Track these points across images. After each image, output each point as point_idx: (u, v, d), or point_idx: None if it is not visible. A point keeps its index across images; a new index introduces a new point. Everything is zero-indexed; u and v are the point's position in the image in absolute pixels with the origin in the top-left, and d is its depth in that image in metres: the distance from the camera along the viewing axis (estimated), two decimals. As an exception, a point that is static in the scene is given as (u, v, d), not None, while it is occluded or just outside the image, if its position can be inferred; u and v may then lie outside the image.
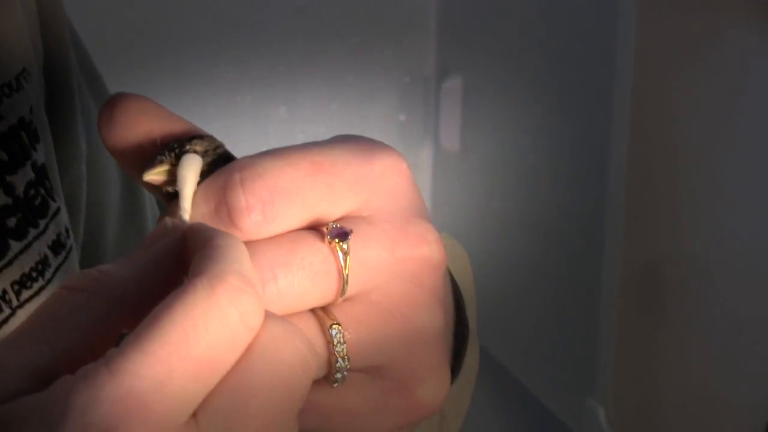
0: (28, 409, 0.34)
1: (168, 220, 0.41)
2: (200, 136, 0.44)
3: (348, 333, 0.42)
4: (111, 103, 0.43)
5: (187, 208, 0.42)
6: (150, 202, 0.73)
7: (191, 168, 0.43)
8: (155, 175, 0.43)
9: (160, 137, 0.43)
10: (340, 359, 0.42)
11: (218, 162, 0.43)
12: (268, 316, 0.37)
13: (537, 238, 1.83)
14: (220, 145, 0.44)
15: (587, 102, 1.65)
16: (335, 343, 0.42)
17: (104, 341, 0.37)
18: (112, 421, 0.33)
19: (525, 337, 1.81)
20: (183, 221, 0.41)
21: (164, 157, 0.43)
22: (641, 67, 1.45)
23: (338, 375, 0.43)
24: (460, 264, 0.60)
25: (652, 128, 1.45)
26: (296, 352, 0.37)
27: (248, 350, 0.36)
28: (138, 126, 0.43)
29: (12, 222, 0.58)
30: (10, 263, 0.57)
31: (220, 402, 0.36)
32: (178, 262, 0.39)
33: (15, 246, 0.58)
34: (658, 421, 1.47)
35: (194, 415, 0.35)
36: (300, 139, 2.09)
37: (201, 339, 0.35)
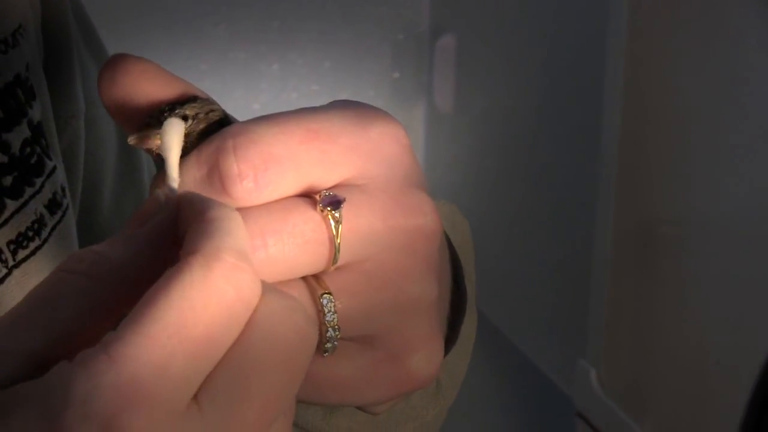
0: (25, 398, 0.34)
1: (160, 193, 0.41)
2: (194, 99, 0.43)
3: (339, 302, 0.42)
4: (112, 64, 0.43)
5: (174, 176, 0.41)
6: (147, 161, 0.72)
7: (174, 133, 0.42)
8: (139, 140, 0.43)
9: (160, 100, 0.43)
10: (330, 329, 0.42)
11: (213, 127, 0.43)
12: (267, 291, 0.37)
13: (530, 197, 1.83)
14: (214, 109, 0.43)
15: (581, 60, 1.65)
16: (326, 312, 0.42)
17: (102, 324, 0.37)
18: (114, 409, 0.33)
19: (517, 298, 1.82)
20: (172, 190, 0.41)
21: (152, 121, 0.42)
22: (635, 24, 1.44)
23: (328, 345, 0.42)
24: (460, 232, 0.59)
25: (646, 86, 1.45)
26: (295, 327, 0.37)
27: (247, 328, 0.36)
28: (138, 88, 0.43)
29: (8, 181, 0.58)
30: (5, 222, 0.57)
31: (221, 382, 0.35)
32: (173, 235, 0.39)
33: (11, 205, 0.57)
34: (651, 382, 1.47)
35: (195, 397, 0.35)
36: (293, 97, 2.11)
37: (199, 320, 0.34)
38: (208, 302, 0.35)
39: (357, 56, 2.14)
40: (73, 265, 0.38)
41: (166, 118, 0.42)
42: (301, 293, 0.41)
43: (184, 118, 0.42)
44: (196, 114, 0.43)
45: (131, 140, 0.43)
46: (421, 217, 0.43)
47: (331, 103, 0.44)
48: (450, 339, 0.54)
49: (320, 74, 2.13)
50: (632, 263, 1.49)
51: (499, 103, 1.93)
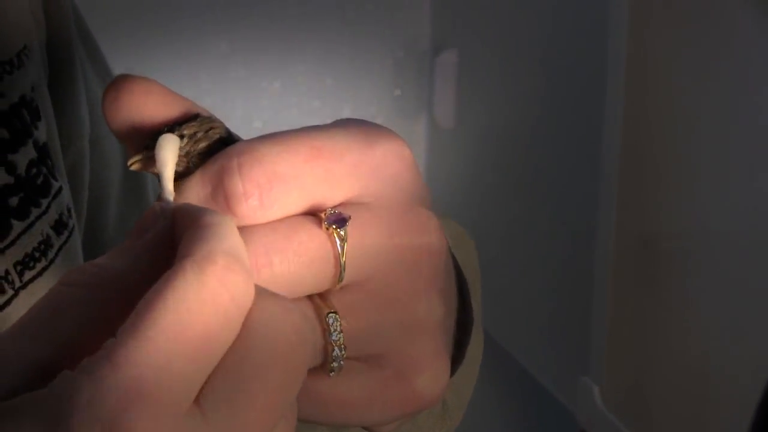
0: (29, 407, 0.34)
1: (156, 205, 0.40)
2: (194, 118, 0.43)
3: (345, 321, 0.42)
4: (116, 85, 0.43)
5: (169, 189, 0.41)
6: (152, 179, 0.72)
7: (168, 149, 0.42)
8: (139, 163, 0.43)
9: (163, 121, 0.43)
10: (336, 348, 0.42)
11: (216, 146, 0.43)
12: (261, 292, 0.37)
13: (531, 212, 1.83)
14: (214, 127, 0.43)
15: (581, 76, 1.65)
16: (332, 332, 0.42)
17: (104, 333, 0.37)
18: (117, 413, 0.33)
19: (520, 314, 1.82)
20: (169, 203, 0.41)
21: (152, 144, 0.43)
22: (635, 41, 1.44)
23: (334, 364, 0.42)
24: (466, 251, 0.59)
25: (647, 101, 1.45)
26: (293, 326, 0.37)
27: (245, 330, 0.36)
28: (142, 109, 0.43)
29: (14, 201, 0.58)
30: (12, 243, 0.57)
31: (222, 385, 0.35)
32: (170, 245, 0.39)
33: (17, 226, 0.57)
34: (654, 397, 1.47)
35: (197, 400, 0.35)
36: (294, 114, 2.11)
37: (195, 322, 0.35)
38: (203, 304, 0.35)
39: (358, 73, 2.14)
40: (74, 278, 0.38)
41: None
42: (306, 312, 0.41)
43: (181, 138, 0.42)
44: (194, 133, 0.43)
45: (131, 163, 0.43)
46: (426, 235, 0.43)
47: (335, 121, 0.44)
48: (456, 359, 0.54)
49: (322, 91, 2.13)
50: (634, 278, 1.49)
51: (500, 117, 1.93)
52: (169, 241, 0.39)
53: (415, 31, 2.15)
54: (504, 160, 1.92)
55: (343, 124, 0.44)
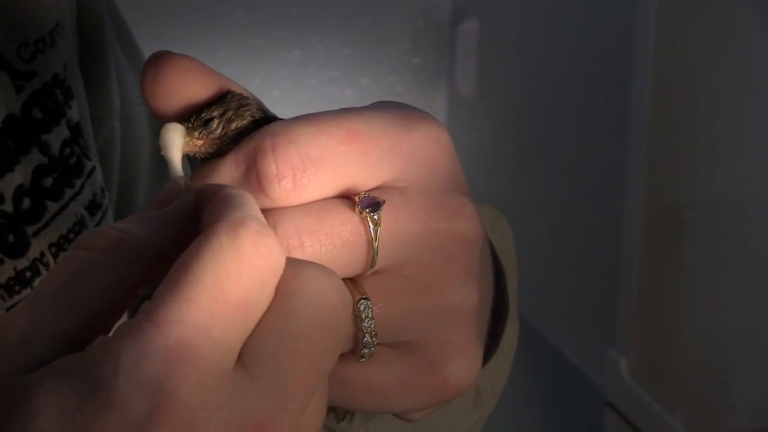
0: (68, 372, 0.33)
1: (180, 179, 0.41)
2: (225, 96, 0.43)
3: (377, 307, 0.42)
4: (156, 62, 0.43)
5: (179, 173, 0.41)
6: (183, 161, 0.72)
7: (173, 133, 0.42)
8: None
9: (201, 99, 0.43)
10: (367, 335, 0.42)
11: (250, 126, 0.43)
12: (300, 261, 0.38)
13: (554, 183, 1.82)
14: (248, 107, 0.43)
15: (606, 44, 1.63)
16: (363, 318, 0.41)
17: (124, 301, 0.37)
18: (165, 372, 0.33)
19: (544, 286, 1.81)
20: (186, 180, 0.41)
21: (186, 127, 0.43)
22: (664, 4, 1.43)
23: (365, 350, 0.42)
24: (503, 238, 0.58)
25: (675, 69, 1.44)
26: (336, 290, 0.37)
27: (288, 292, 0.36)
28: (181, 87, 0.42)
29: (48, 182, 0.57)
30: (47, 225, 0.56)
31: (267, 345, 0.35)
32: (190, 222, 0.39)
33: (52, 207, 0.57)
34: (681, 369, 1.46)
35: (240, 360, 0.35)
36: (312, 84, 2.10)
37: (233, 283, 0.35)
38: (239, 267, 0.35)
39: (377, 42, 2.13)
40: (95, 242, 0.38)
41: (193, 125, 0.42)
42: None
43: (211, 120, 0.42)
44: (225, 112, 0.42)
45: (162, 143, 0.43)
46: (461, 221, 0.43)
47: (373, 103, 0.44)
48: (491, 347, 0.53)
49: (340, 60, 2.12)
50: (661, 250, 1.48)
51: (521, 87, 1.91)
52: (190, 216, 0.38)
53: (435, 0, 2.14)
54: (526, 131, 1.91)
55: (380, 107, 0.43)
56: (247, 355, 0.35)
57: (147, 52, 0.71)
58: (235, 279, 0.35)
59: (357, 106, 0.43)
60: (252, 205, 0.37)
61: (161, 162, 0.70)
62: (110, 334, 0.35)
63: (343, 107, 0.43)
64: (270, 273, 0.36)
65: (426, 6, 2.14)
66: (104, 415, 0.33)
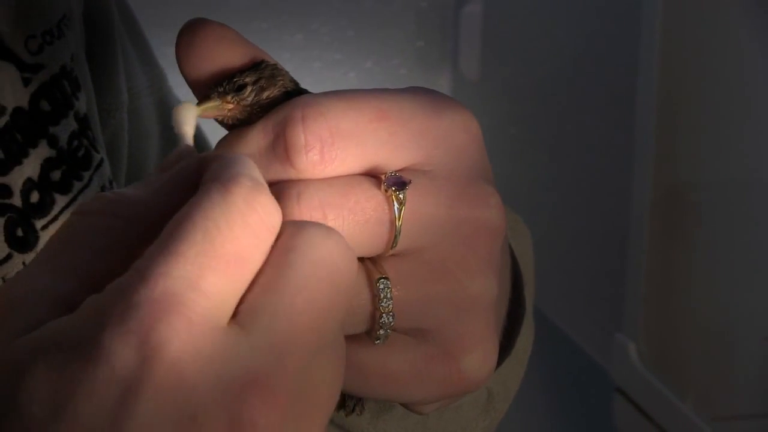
0: (60, 332, 0.33)
1: (184, 146, 0.41)
2: (259, 65, 0.43)
3: (396, 289, 0.41)
4: (191, 29, 0.42)
5: (188, 142, 0.42)
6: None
7: (187, 111, 0.42)
8: (206, 110, 0.43)
9: (234, 67, 0.43)
10: (385, 315, 0.41)
11: (280, 97, 0.43)
12: (297, 220, 0.37)
13: (560, 166, 1.81)
14: (280, 77, 0.43)
15: (612, 25, 1.63)
16: (382, 298, 0.41)
17: (122, 264, 0.36)
18: (151, 322, 0.32)
19: (552, 271, 1.80)
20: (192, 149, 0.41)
21: (218, 91, 0.43)
22: (671, 2, 1.42)
23: (381, 332, 0.42)
24: (522, 241, 0.58)
25: (682, 49, 1.43)
26: (336, 246, 0.36)
27: (287, 248, 0.35)
28: (216, 55, 0.42)
29: (56, 175, 0.57)
30: (55, 218, 0.56)
31: (262, 298, 0.35)
32: (192, 184, 0.38)
33: (60, 200, 0.57)
34: (691, 354, 1.46)
35: (235, 318, 0.34)
36: (316, 67, 2.09)
37: (225, 238, 0.34)
38: (231, 222, 0.34)
39: (381, 25, 2.13)
40: (89, 206, 0.37)
41: (226, 89, 0.43)
42: (357, 275, 0.40)
43: (244, 86, 0.42)
44: (257, 80, 0.43)
45: (198, 111, 0.43)
46: (486, 209, 0.43)
47: (406, 88, 0.44)
48: (505, 348, 0.53)
49: (344, 43, 2.12)
50: (669, 234, 1.48)
51: (526, 69, 1.91)
52: (192, 182, 0.38)
53: (439, -18, 2.14)
54: (531, 113, 1.90)
55: (412, 91, 0.43)
56: (242, 312, 0.34)
57: (149, 37, 0.70)
58: (226, 234, 0.34)
59: (361, 88, 0.43)
60: (248, 165, 0.36)
61: (169, 152, 0.70)
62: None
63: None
64: (264, 229, 0.35)
65: (430, -12, 2.14)
66: (90, 369, 0.32)
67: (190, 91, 0.45)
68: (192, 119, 0.42)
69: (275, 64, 0.43)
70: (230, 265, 0.34)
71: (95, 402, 0.32)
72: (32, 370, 0.32)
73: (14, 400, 0.32)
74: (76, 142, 0.58)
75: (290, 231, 0.36)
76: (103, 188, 0.60)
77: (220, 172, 0.36)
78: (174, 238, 0.34)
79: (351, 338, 0.42)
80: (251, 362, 0.33)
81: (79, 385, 0.32)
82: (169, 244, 0.34)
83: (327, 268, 0.35)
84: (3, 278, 0.54)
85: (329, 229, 0.36)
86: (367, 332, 0.42)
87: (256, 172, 0.36)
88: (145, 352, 0.32)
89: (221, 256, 0.34)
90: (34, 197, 0.55)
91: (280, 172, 0.41)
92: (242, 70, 0.43)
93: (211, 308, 0.33)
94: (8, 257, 0.54)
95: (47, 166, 0.56)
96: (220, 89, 0.43)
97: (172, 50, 0.43)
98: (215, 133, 0.47)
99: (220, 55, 0.42)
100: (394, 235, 0.41)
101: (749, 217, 1.36)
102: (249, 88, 0.42)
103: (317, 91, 0.44)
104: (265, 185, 0.36)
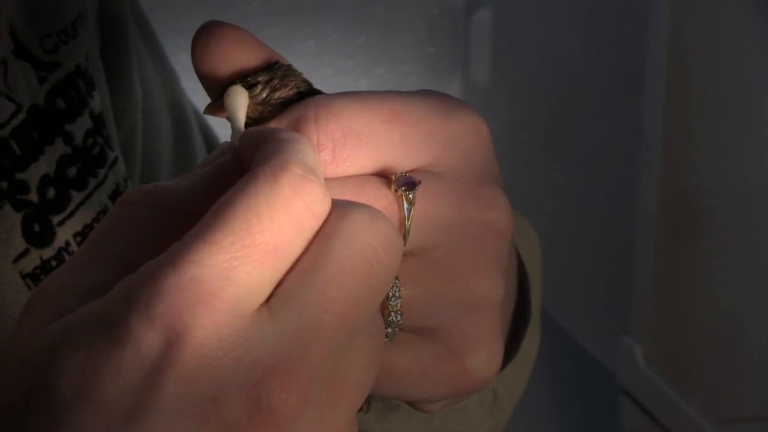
0: (90, 314, 0.34)
1: (225, 142, 0.41)
2: (273, 65, 0.43)
3: (404, 288, 0.42)
4: (207, 31, 0.43)
5: (241, 130, 0.42)
6: (202, 152, 0.72)
7: (238, 97, 0.42)
8: (212, 109, 0.44)
9: (251, 69, 0.43)
10: (393, 313, 0.42)
11: (294, 97, 0.43)
12: (346, 201, 0.37)
13: (569, 171, 1.82)
14: (293, 77, 0.43)
15: (620, 32, 1.63)
16: (390, 296, 0.42)
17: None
18: (177, 310, 0.33)
19: (558, 274, 1.81)
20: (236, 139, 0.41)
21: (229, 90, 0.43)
22: (678, 8, 1.42)
23: (389, 330, 0.42)
24: (529, 244, 0.59)
25: (689, 55, 1.43)
26: (380, 233, 0.36)
27: (328, 234, 0.36)
28: (231, 57, 0.43)
29: (72, 172, 0.58)
30: (71, 215, 0.57)
31: (293, 284, 0.35)
32: (237, 174, 0.38)
33: (76, 196, 0.58)
34: (697, 356, 1.46)
35: (266, 302, 0.35)
36: (328, 73, 2.10)
37: (265, 228, 0.34)
38: (274, 211, 0.34)
39: (392, 31, 2.13)
40: (129, 197, 0.38)
41: (241, 84, 0.43)
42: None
43: (256, 85, 0.43)
44: (270, 79, 0.43)
45: (206, 110, 0.44)
46: (494, 211, 0.43)
47: (418, 90, 0.44)
48: (511, 350, 0.53)
49: (355, 50, 2.12)
50: (675, 236, 1.48)
51: (536, 76, 1.91)
52: (235, 173, 0.38)
53: (449, -11, 2.14)
54: (541, 119, 1.91)
55: (424, 94, 0.44)
56: (275, 296, 0.35)
57: (162, 44, 0.72)
58: (266, 223, 0.34)
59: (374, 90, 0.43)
60: (303, 149, 0.36)
61: (182, 153, 0.71)
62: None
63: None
64: (310, 217, 0.35)
65: (440, -5, 2.14)
66: (117, 351, 0.33)
67: (201, 97, 0.45)
68: (244, 104, 0.42)
69: (289, 65, 0.44)
70: (267, 255, 0.34)
71: (120, 383, 0.33)
72: (61, 349, 0.33)
73: (44, 379, 0.33)
74: (91, 140, 0.59)
75: (336, 215, 0.36)
76: (117, 186, 0.61)
77: (273, 155, 0.36)
78: (211, 226, 0.34)
79: None
80: (275, 348, 0.34)
81: (104, 366, 0.33)
82: (205, 231, 0.34)
83: (365, 255, 0.36)
84: (20, 272, 0.55)
85: (375, 215, 0.36)
86: None
87: (310, 157, 0.36)
88: (169, 338, 0.33)
89: (258, 246, 0.34)
90: (51, 193, 0.57)
91: None
92: (256, 71, 0.43)
93: (241, 296, 0.34)
94: (25, 252, 0.55)
95: (63, 163, 0.57)
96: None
97: (183, 56, 0.44)
98: (224, 132, 0.48)
99: (235, 57, 0.43)
100: (404, 234, 0.41)
101: (755, 221, 1.37)
102: (260, 87, 0.43)
103: None
104: (317, 170, 0.36)
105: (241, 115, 0.42)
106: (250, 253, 0.34)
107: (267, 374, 0.34)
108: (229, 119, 0.43)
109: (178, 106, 0.71)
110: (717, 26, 1.39)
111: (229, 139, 0.42)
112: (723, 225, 1.42)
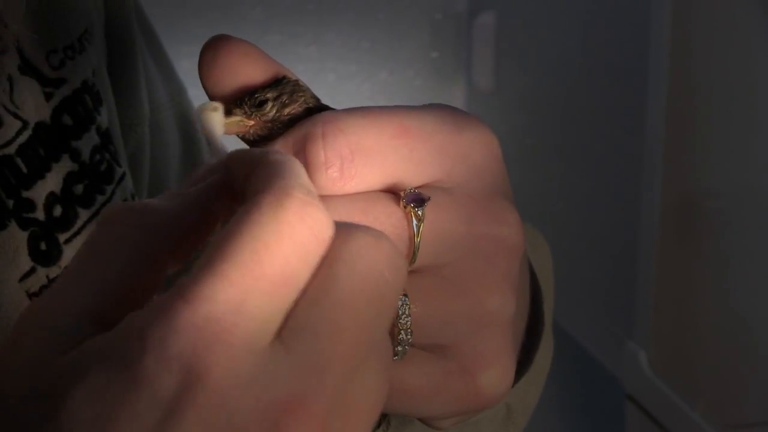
0: (101, 352, 0.33)
1: (212, 160, 0.40)
2: (280, 81, 0.43)
3: (414, 306, 0.41)
4: (214, 45, 0.43)
5: (221, 150, 0.41)
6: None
7: (211, 113, 0.42)
8: (227, 126, 0.43)
9: (258, 84, 0.43)
10: (402, 331, 0.41)
11: (302, 113, 0.43)
12: (351, 225, 0.36)
13: (572, 176, 1.82)
14: (302, 93, 0.43)
15: (623, 35, 1.63)
16: (400, 315, 0.41)
17: (152, 278, 0.36)
18: (192, 349, 0.32)
19: (563, 279, 1.80)
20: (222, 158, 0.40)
21: (239, 107, 0.43)
22: (679, 11, 1.42)
23: (399, 348, 0.42)
24: (541, 256, 0.58)
25: (691, 59, 1.43)
26: (384, 258, 0.36)
27: (332, 260, 0.35)
28: (239, 72, 0.43)
29: (79, 189, 0.57)
30: (79, 232, 0.57)
31: (307, 318, 0.34)
32: (225, 194, 0.38)
33: (83, 214, 0.57)
34: (702, 361, 1.46)
35: (279, 335, 0.34)
36: (331, 79, 2.10)
37: (273, 257, 0.34)
38: (280, 239, 0.34)
39: (395, 36, 2.13)
40: (114, 215, 0.37)
41: (247, 105, 0.42)
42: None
43: (265, 102, 0.42)
44: (279, 96, 0.43)
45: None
46: (505, 226, 0.43)
47: (427, 104, 0.44)
48: (523, 363, 0.53)
49: (358, 55, 2.12)
50: (679, 241, 1.48)
51: (539, 80, 1.91)
52: (223, 193, 0.38)
53: (452, -7, 2.14)
54: (544, 123, 1.90)
55: (433, 108, 0.43)
56: (287, 328, 0.34)
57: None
58: (274, 253, 0.34)
59: (375, 100, 0.42)
60: (299, 171, 0.35)
61: (190, 165, 0.71)
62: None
63: (365, 102, 0.43)
64: (315, 243, 0.35)
65: (443, 0, 2.14)
66: (133, 394, 0.32)
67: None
68: (220, 123, 0.42)
69: (297, 81, 0.44)
70: (276, 286, 0.34)
71: (136, 425, 0.32)
72: (73, 391, 0.32)
73: (56, 421, 0.32)
74: (98, 156, 0.59)
75: (338, 240, 0.35)
76: (125, 201, 0.60)
77: (270, 182, 0.35)
78: (219, 258, 0.33)
79: None
80: (291, 382, 0.33)
81: (120, 408, 0.32)
82: (212, 264, 0.33)
83: (372, 279, 0.35)
84: (27, 291, 0.54)
85: (378, 237, 0.36)
86: None
87: (306, 179, 0.35)
88: (186, 378, 0.32)
89: (267, 277, 0.33)
90: (57, 211, 0.56)
91: None
92: (264, 87, 0.43)
93: (255, 330, 0.33)
94: (32, 270, 0.55)
95: (70, 180, 0.57)
96: (242, 105, 0.43)
97: (186, 63, 0.43)
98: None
99: (242, 72, 0.42)
100: (413, 251, 0.41)
101: (760, 225, 1.36)
102: (270, 104, 0.43)
103: (333, 103, 0.44)
104: (316, 193, 0.35)
105: (218, 130, 0.42)
106: (261, 285, 0.33)
107: (286, 411, 0.33)
108: (206, 136, 0.43)
109: (185, 118, 0.70)
110: (720, 29, 1.39)
111: (234, 148, 0.42)
112: (727, 229, 1.41)
